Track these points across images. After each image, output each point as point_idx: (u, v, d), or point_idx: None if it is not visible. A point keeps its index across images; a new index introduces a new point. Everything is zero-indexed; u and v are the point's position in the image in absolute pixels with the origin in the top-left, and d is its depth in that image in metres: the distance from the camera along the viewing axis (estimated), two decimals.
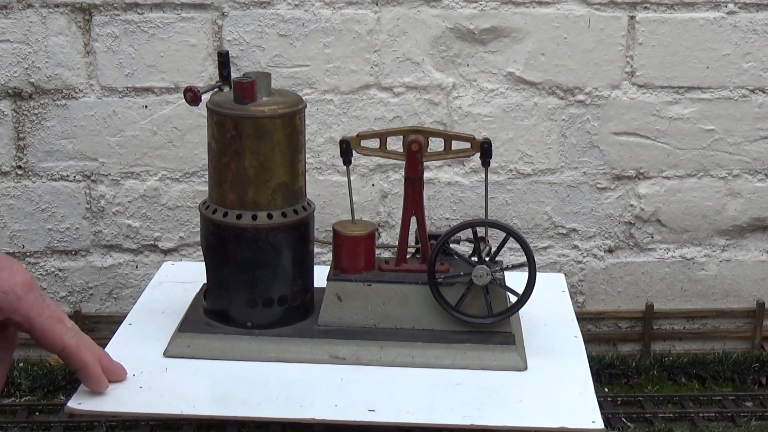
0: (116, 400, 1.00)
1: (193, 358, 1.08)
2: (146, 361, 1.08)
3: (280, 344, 1.07)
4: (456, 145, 1.02)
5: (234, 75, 1.06)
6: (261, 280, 1.08)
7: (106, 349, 1.04)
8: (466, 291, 1.01)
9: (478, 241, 1.01)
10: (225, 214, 1.06)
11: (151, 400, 1.01)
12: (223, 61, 1.08)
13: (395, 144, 1.05)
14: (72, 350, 0.86)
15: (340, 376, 1.03)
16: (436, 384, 0.99)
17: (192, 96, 1.03)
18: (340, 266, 1.07)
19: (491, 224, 1.01)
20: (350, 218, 1.11)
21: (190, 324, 1.11)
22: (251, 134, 1.06)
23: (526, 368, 0.99)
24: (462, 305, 1.02)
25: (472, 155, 1.01)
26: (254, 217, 1.06)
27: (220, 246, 1.07)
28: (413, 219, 1.03)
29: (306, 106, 1.11)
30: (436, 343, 1.02)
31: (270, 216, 1.06)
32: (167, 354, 1.09)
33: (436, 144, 1.02)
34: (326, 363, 1.04)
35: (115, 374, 0.94)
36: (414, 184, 1.03)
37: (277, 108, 1.08)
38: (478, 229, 1.02)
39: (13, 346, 0.87)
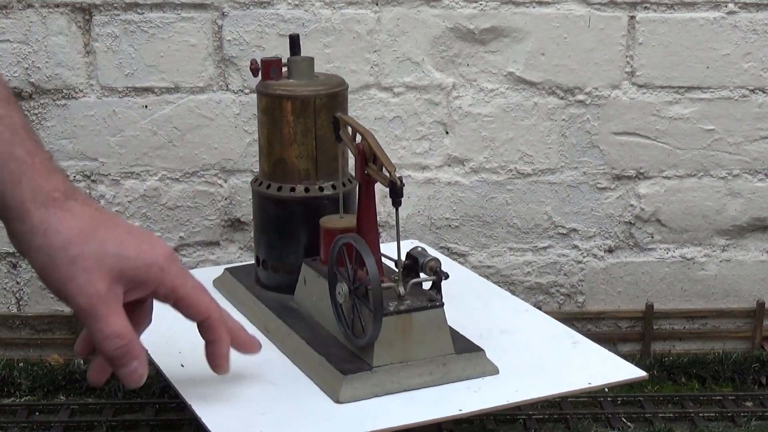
0: None
1: (220, 293, 1.21)
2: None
3: (250, 303, 1.15)
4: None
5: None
6: (260, 242, 1.19)
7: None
8: (343, 301, 0.98)
9: (357, 262, 0.96)
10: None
11: None
12: (292, 43, 1.18)
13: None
14: (215, 320, 0.88)
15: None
16: (267, 377, 1.00)
17: (250, 67, 1.19)
18: (320, 256, 1.11)
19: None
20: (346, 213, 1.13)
21: (238, 269, 1.24)
22: (262, 109, 1.17)
23: (338, 401, 0.94)
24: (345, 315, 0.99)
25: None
26: (259, 184, 1.18)
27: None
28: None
29: (321, 95, 1.16)
30: (314, 350, 1.00)
31: (268, 186, 1.17)
32: (213, 284, 1.23)
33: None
34: (261, 331, 1.11)
35: (250, 347, 0.95)
36: (361, 190, 1.02)
37: (278, 88, 1.17)
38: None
39: (147, 323, 0.89)
